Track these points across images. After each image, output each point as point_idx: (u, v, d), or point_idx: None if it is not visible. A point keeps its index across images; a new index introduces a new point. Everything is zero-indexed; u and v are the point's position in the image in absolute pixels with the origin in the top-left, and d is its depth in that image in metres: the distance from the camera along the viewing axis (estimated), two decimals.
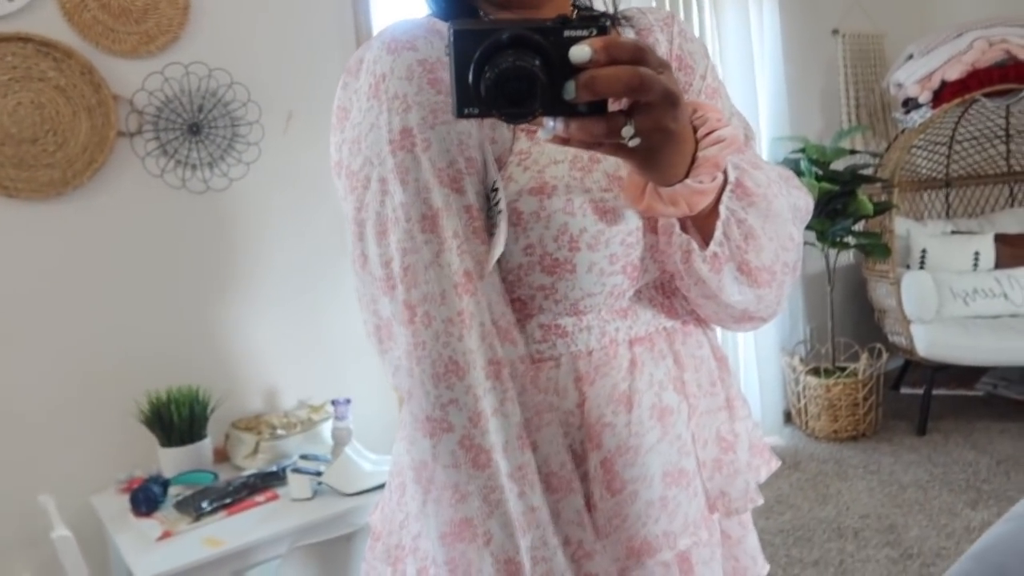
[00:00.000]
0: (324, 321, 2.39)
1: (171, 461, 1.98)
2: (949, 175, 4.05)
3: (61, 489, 1.92)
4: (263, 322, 2.28)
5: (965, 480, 2.85)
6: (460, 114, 0.52)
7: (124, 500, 1.88)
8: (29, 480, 1.94)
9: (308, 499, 1.88)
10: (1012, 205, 3.98)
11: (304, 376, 2.36)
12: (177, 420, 1.98)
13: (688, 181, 0.62)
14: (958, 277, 3.47)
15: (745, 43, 3.25)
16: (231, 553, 1.67)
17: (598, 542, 0.69)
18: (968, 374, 3.70)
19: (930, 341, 3.25)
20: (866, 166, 3.50)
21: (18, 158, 1.94)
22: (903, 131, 3.69)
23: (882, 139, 3.98)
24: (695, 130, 0.62)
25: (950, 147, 3.98)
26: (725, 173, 0.66)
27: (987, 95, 3.40)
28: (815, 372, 3.38)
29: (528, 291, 0.71)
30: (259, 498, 1.88)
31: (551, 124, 0.54)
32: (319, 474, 1.92)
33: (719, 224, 0.67)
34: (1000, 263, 3.54)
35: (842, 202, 3.18)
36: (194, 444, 2.00)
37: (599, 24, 0.52)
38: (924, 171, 4.04)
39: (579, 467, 0.72)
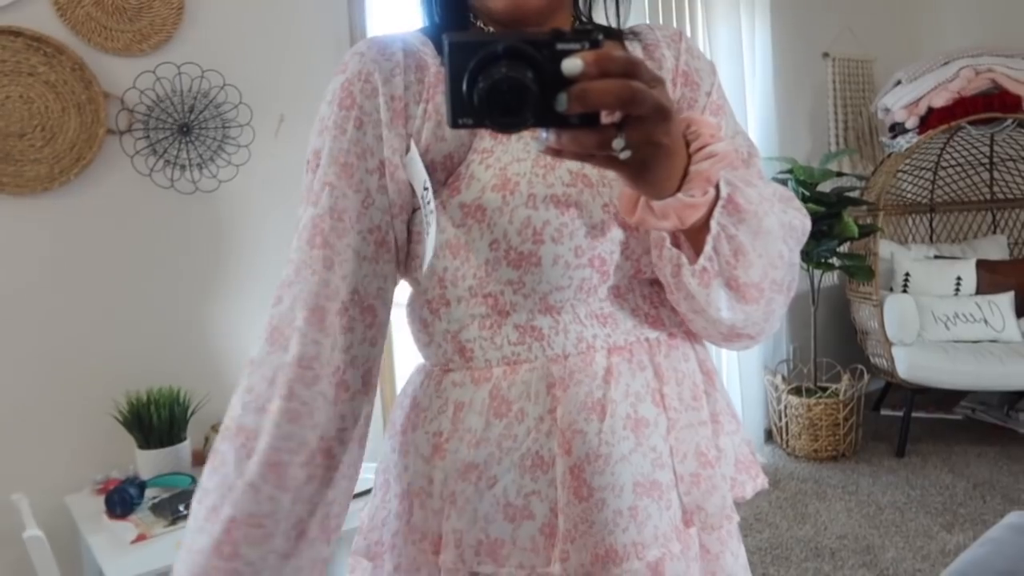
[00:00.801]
0: None
1: (149, 463, 1.96)
2: (933, 200, 4.10)
3: (35, 488, 1.90)
4: (247, 325, 2.27)
5: (942, 503, 2.87)
6: (454, 124, 0.53)
7: (99, 501, 1.86)
8: (2, 478, 1.92)
9: None
10: (994, 232, 4.03)
11: None
12: (156, 421, 1.96)
13: (680, 195, 0.63)
14: (940, 301, 3.51)
15: (737, 64, 3.29)
16: None
17: (556, 563, 0.71)
18: (947, 398, 3.74)
19: (911, 364, 3.28)
20: (852, 189, 3.54)
21: (4, 152, 1.92)
22: (889, 155, 3.74)
23: (869, 162, 4.03)
24: (688, 144, 0.63)
25: (935, 173, 4.03)
26: (717, 188, 0.67)
27: (972, 123, 3.46)
28: (797, 391, 3.40)
29: (497, 286, 0.73)
30: None
31: (543, 135, 0.55)
32: None
33: (709, 239, 0.68)
34: (981, 289, 3.59)
35: (828, 223, 3.21)
36: (173, 446, 1.98)
37: (592, 38, 0.53)
38: (909, 195, 4.08)
39: (546, 473, 0.72)
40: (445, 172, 0.74)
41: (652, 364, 0.76)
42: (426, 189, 0.72)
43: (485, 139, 0.75)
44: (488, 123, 0.52)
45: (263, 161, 2.26)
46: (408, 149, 0.74)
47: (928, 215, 4.14)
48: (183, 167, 2.15)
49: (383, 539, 0.82)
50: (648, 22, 2.99)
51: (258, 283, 2.28)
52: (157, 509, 1.78)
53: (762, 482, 0.85)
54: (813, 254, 3.25)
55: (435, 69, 0.75)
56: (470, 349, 0.76)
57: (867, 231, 3.35)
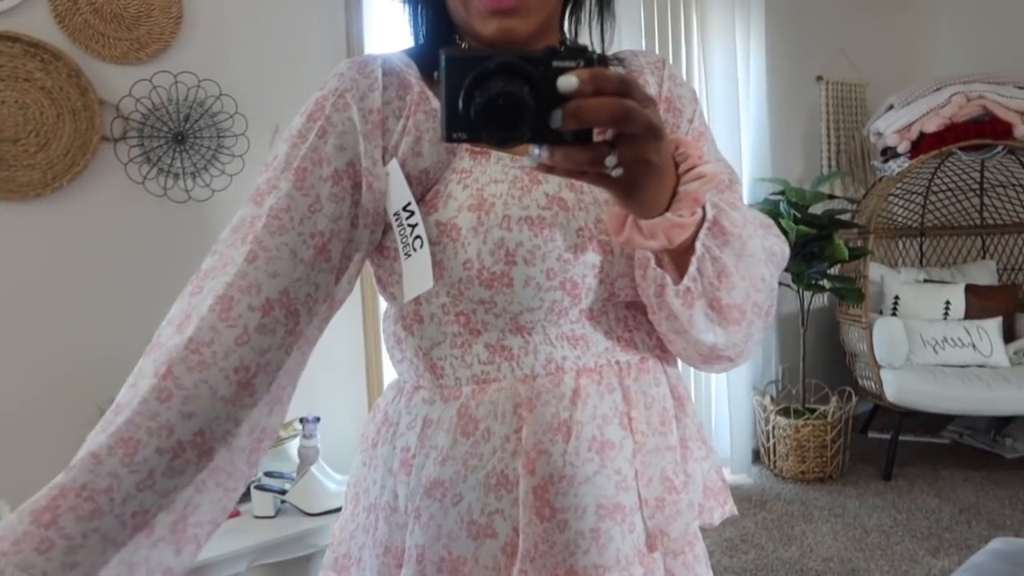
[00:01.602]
0: None
1: None
2: (924, 224, 4.13)
3: (17, 495, 1.88)
4: None
5: (928, 527, 2.87)
6: (448, 139, 0.54)
7: None
8: None
9: (270, 517, 1.86)
10: (984, 257, 4.06)
11: None
12: None
13: (668, 214, 0.64)
14: (929, 325, 3.53)
15: (731, 86, 3.31)
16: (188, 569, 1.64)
17: None
18: (935, 421, 3.75)
19: (899, 387, 3.29)
20: (843, 211, 3.56)
21: None
22: (881, 179, 3.77)
23: (860, 186, 4.06)
24: (677, 166, 0.64)
25: (926, 197, 4.06)
26: (704, 210, 0.68)
27: (963, 149, 3.49)
28: (785, 412, 3.41)
29: (469, 305, 0.73)
30: None
31: (536, 152, 0.56)
32: (283, 492, 1.90)
33: (694, 260, 0.68)
34: (970, 313, 3.61)
35: (819, 246, 3.23)
36: None
37: (586, 56, 0.54)
38: (900, 219, 4.11)
39: (510, 492, 0.73)
40: (420, 188, 0.75)
41: (621, 387, 0.76)
42: (411, 212, 0.73)
43: (464, 159, 0.75)
44: (483, 137, 0.53)
45: (257, 171, 2.26)
46: (386, 162, 0.74)
47: (918, 239, 4.17)
48: (177, 176, 2.15)
49: (351, 552, 0.83)
50: (642, 46, 3.02)
51: None
52: None
53: (730, 509, 0.85)
54: (803, 276, 3.27)
55: (418, 89, 0.76)
56: (440, 367, 0.77)
57: (857, 254, 3.37)
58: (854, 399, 3.39)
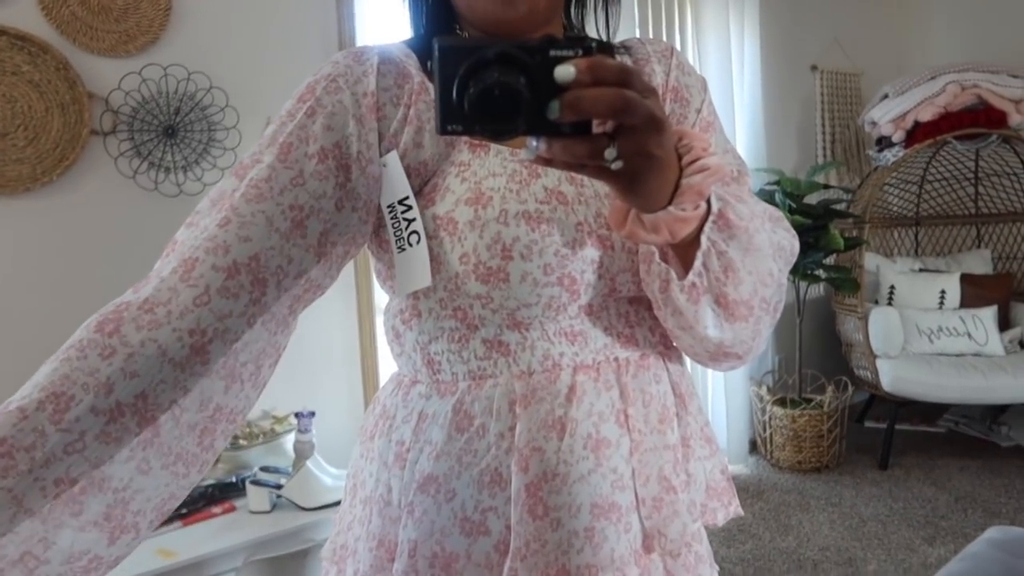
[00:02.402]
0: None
1: None
2: (919, 214, 4.13)
3: None
4: None
5: (924, 516, 2.88)
6: (443, 131, 0.52)
7: None
8: None
9: (266, 512, 1.85)
10: (979, 246, 4.06)
11: (269, 386, 2.31)
12: None
13: (671, 208, 0.62)
14: (924, 314, 3.53)
15: (726, 76, 3.30)
16: (184, 565, 1.64)
17: None
18: (931, 410, 3.75)
19: (895, 376, 3.30)
20: (839, 201, 3.56)
21: None
22: (876, 169, 3.76)
23: (855, 175, 4.05)
24: (680, 158, 0.62)
25: (921, 187, 4.06)
26: (709, 203, 0.66)
27: (958, 138, 3.48)
28: (782, 402, 3.41)
29: (466, 300, 0.72)
30: (216, 509, 1.85)
31: (534, 144, 0.54)
32: (279, 487, 1.89)
33: (699, 254, 0.67)
34: (965, 302, 3.61)
35: (814, 236, 3.23)
36: None
37: (585, 45, 0.52)
38: (895, 209, 4.11)
39: (504, 490, 0.72)
40: (418, 180, 0.74)
41: (619, 384, 0.75)
42: (408, 206, 0.71)
43: (463, 152, 0.74)
44: (478, 129, 0.51)
45: None
46: (383, 151, 0.73)
47: (914, 228, 4.16)
48: (168, 169, 2.14)
49: (348, 543, 0.82)
50: (639, 35, 3.00)
51: None
52: None
53: (735, 510, 0.84)
54: (799, 266, 3.26)
55: (419, 79, 0.75)
56: (437, 362, 0.76)
57: (853, 244, 3.37)
58: (850, 389, 3.39)
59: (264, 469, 2.01)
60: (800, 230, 3.18)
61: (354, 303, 2.47)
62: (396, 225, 0.72)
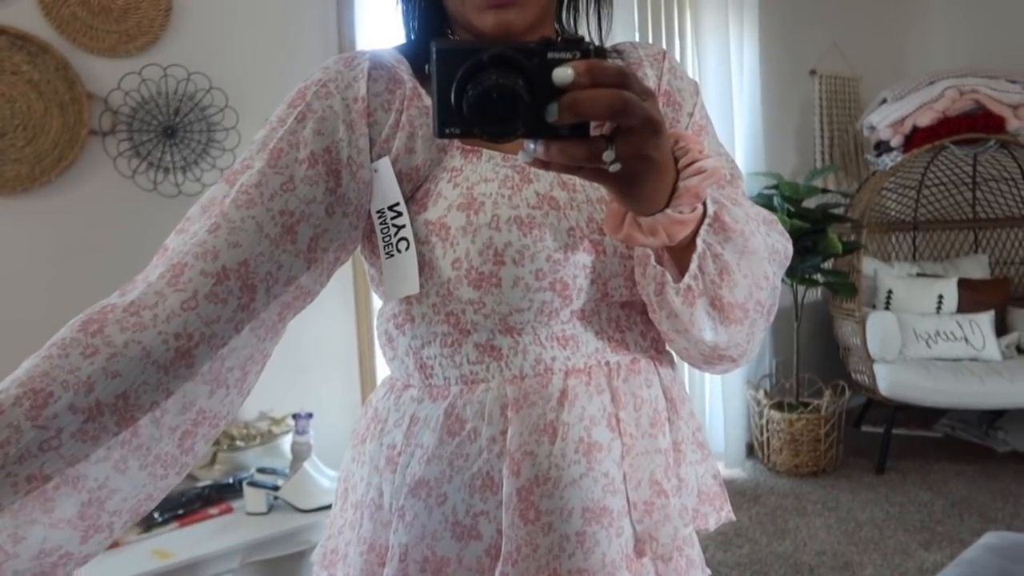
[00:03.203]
0: (290, 332, 2.35)
1: None
2: (917, 218, 4.14)
3: None
4: None
5: (920, 521, 2.88)
6: (441, 133, 0.52)
7: None
8: None
9: (263, 514, 1.85)
10: (976, 251, 4.07)
11: (267, 387, 2.32)
12: None
13: (668, 211, 0.62)
14: (921, 319, 3.53)
15: (725, 80, 3.31)
16: (180, 566, 1.63)
17: None
18: (927, 415, 3.76)
19: (892, 381, 3.30)
20: (837, 205, 3.56)
21: None
22: (874, 173, 3.77)
23: (854, 180, 4.06)
24: (676, 160, 0.62)
25: (919, 191, 4.07)
26: (704, 206, 0.66)
27: (956, 143, 3.49)
28: (779, 406, 3.41)
29: (458, 305, 0.72)
30: (213, 510, 1.85)
31: (531, 147, 0.54)
32: (276, 488, 1.89)
33: (695, 257, 0.67)
34: (962, 307, 3.61)
35: (812, 240, 3.23)
36: None
37: (582, 47, 0.52)
38: (893, 213, 4.12)
39: (495, 494, 0.71)
40: (411, 185, 0.74)
41: (610, 388, 0.75)
42: (398, 212, 0.71)
43: (455, 157, 0.74)
44: (477, 132, 0.51)
45: None
46: (374, 156, 0.73)
47: (911, 233, 4.17)
48: (167, 170, 2.13)
49: (339, 548, 0.82)
50: (635, 39, 3.01)
51: None
52: None
53: (727, 514, 0.84)
54: (797, 270, 3.26)
55: (411, 85, 0.75)
56: (430, 366, 0.76)
57: (851, 248, 3.38)
58: (847, 393, 3.40)
59: (261, 470, 2.01)
60: (798, 234, 3.18)
61: (352, 305, 2.47)
62: (385, 231, 0.72)
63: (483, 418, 0.73)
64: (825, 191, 3.63)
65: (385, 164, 0.72)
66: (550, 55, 0.51)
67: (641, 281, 0.72)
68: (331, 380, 2.43)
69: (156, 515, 1.74)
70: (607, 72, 0.51)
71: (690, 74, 3.52)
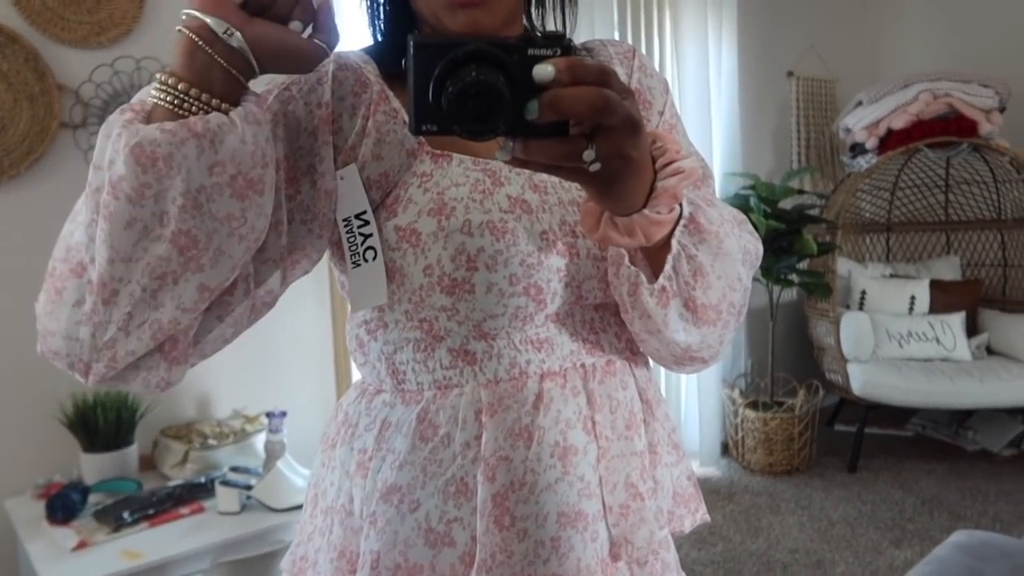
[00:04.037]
0: (264, 330, 2.33)
1: (93, 467, 1.90)
2: (891, 220, 4.19)
3: None
4: None
5: (891, 518, 2.92)
6: (417, 131, 0.51)
7: (40, 506, 1.80)
8: None
9: (235, 513, 1.83)
10: (948, 253, 4.12)
11: (240, 385, 2.30)
12: (103, 424, 1.91)
13: (645, 211, 0.61)
14: (894, 319, 3.58)
15: (703, 81, 3.32)
16: (149, 567, 1.61)
17: None
18: (899, 414, 3.81)
19: (865, 380, 3.34)
20: (812, 207, 3.59)
21: None
22: (849, 175, 3.81)
23: (829, 181, 4.10)
24: (654, 160, 0.62)
25: (893, 193, 4.11)
26: (680, 207, 0.66)
27: (930, 146, 3.53)
28: (754, 405, 3.44)
29: (431, 311, 0.71)
30: (184, 510, 1.82)
31: (509, 145, 0.53)
32: (249, 487, 1.87)
33: (669, 258, 0.66)
34: (934, 308, 3.66)
35: (788, 240, 3.26)
36: (119, 450, 1.93)
37: (563, 44, 0.51)
38: (867, 215, 4.16)
39: (469, 500, 0.70)
40: (380, 191, 0.72)
41: (586, 390, 0.74)
42: (365, 220, 0.70)
43: (425, 162, 0.73)
44: (457, 129, 0.50)
45: None
46: (338, 164, 0.71)
47: (885, 234, 4.22)
48: None
49: (308, 555, 0.81)
50: (612, 38, 3.01)
51: None
52: (100, 516, 1.73)
53: (702, 516, 0.84)
54: (773, 270, 3.29)
55: (378, 88, 0.74)
56: (402, 372, 0.75)
57: (826, 249, 3.41)
58: (821, 392, 3.43)
59: (234, 469, 1.98)
60: (774, 235, 3.21)
61: (327, 303, 2.45)
62: (352, 240, 0.71)
63: (457, 423, 0.72)
64: (801, 192, 3.66)
65: (351, 172, 0.71)
66: (530, 51, 0.50)
67: (614, 282, 0.72)
68: (306, 379, 2.41)
69: (126, 515, 1.71)
70: (588, 70, 0.51)
71: (668, 76, 3.53)
